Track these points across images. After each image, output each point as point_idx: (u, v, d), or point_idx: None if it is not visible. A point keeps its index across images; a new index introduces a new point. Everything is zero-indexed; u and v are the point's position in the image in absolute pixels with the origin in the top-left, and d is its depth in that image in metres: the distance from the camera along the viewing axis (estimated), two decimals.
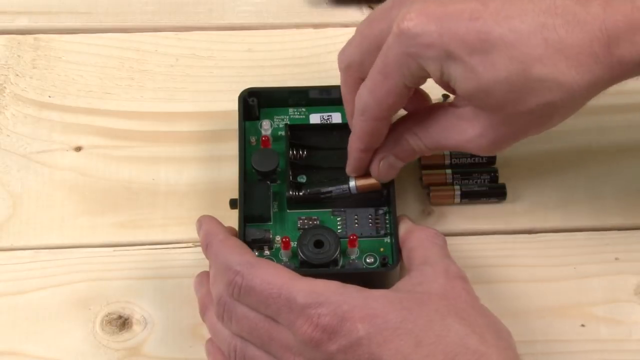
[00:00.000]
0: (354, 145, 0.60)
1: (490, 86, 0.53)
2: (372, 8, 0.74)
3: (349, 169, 0.62)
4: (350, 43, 0.59)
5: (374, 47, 0.57)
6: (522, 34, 0.52)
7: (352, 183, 0.62)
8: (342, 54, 0.60)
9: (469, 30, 0.53)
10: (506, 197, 0.66)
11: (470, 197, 0.66)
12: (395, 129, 0.60)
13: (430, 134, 0.59)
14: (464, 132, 0.57)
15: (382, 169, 0.61)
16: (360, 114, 0.58)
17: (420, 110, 0.60)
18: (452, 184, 0.66)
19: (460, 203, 0.66)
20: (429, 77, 0.56)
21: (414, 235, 0.59)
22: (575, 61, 0.52)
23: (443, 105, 0.59)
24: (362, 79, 0.58)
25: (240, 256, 0.55)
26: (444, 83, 0.56)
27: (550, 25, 0.52)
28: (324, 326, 0.51)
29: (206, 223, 0.59)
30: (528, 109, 0.54)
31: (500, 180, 0.66)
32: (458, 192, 0.66)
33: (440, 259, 0.57)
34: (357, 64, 0.59)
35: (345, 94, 0.61)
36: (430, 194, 0.66)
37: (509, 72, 0.53)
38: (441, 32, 0.53)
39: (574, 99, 0.54)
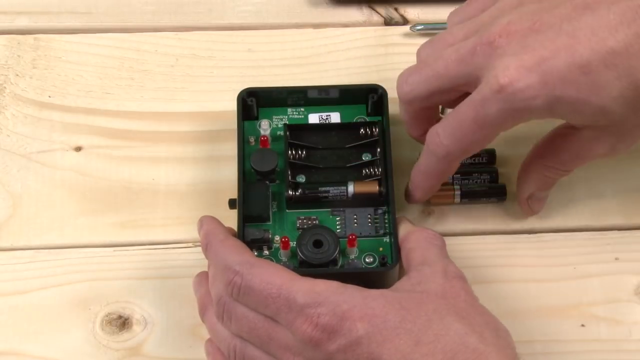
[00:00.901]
0: (426, 183, 0.62)
1: (607, 106, 0.54)
2: (372, 8, 0.74)
3: (415, 200, 0.63)
4: (418, 73, 0.59)
5: (447, 88, 0.58)
6: (618, 50, 0.53)
7: (350, 188, 0.62)
8: (407, 84, 0.60)
9: (570, 69, 0.53)
10: (506, 197, 0.66)
11: (470, 197, 0.66)
12: (528, 171, 0.62)
13: (565, 161, 0.61)
14: (596, 150, 0.59)
15: (534, 206, 0.64)
16: (440, 157, 0.59)
17: (541, 144, 0.61)
18: (452, 184, 0.66)
19: (460, 203, 0.66)
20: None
21: (413, 236, 0.59)
22: None
23: (562, 133, 0.60)
24: (424, 109, 0.60)
25: (239, 256, 0.55)
26: (554, 117, 0.57)
27: (635, 28, 0.53)
28: (324, 326, 0.51)
29: (207, 223, 0.59)
30: None
31: (500, 181, 0.66)
32: (458, 192, 0.66)
33: (439, 259, 0.57)
34: (423, 98, 0.59)
35: (405, 119, 0.62)
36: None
37: (621, 89, 0.54)
38: (544, 80, 0.54)
39: None
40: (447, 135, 0.58)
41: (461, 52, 0.57)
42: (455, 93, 0.59)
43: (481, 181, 0.66)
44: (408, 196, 0.64)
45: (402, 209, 0.64)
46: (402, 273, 0.59)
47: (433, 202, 0.66)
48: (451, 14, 0.62)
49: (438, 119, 0.61)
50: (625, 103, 0.54)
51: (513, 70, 0.54)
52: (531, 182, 0.63)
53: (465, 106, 0.56)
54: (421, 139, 0.62)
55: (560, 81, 0.53)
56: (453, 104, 0.59)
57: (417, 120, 0.62)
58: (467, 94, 0.57)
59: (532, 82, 0.54)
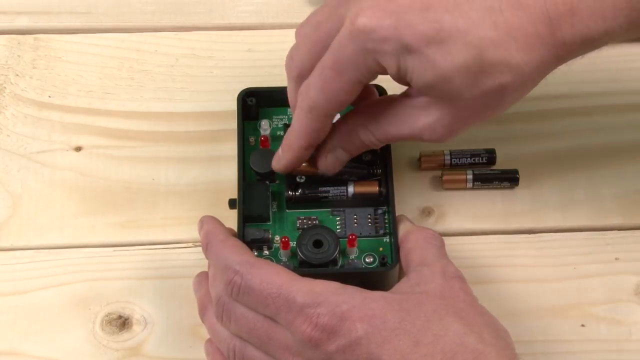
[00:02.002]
0: (297, 142, 0.60)
1: (449, 74, 0.54)
2: None
3: (283, 163, 0.61)
4: (297, 49, 0.59)
5: (322, 48, 0.57)
6: (473, 19, 0.53)
7: (350, 188, 0.62)
8: (292, 60, 0.59)
9: (423, 21, 0.53)
10: (519, 182, 0.66)
11: (482, 180, 0.65)
12: (345, 123, 0.60)
13: (382, 126, 0.59)
14: (418, 120, 0.57)
15: (330, 162, 0.61)
16: (308, 111, 0.58)
17: (369, 104, 0.60)
18: (465, 169, 0.66)
19: (473, 187, 0.66)
20: (384, 73, 0.56)
21: (412, 236, 0.59)
22: (522, 43, 0.53)
23: (393, 97, 0.59)
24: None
25: (239, 256, 0.55)
26: (400, 77, 0.56)
27: (497, 8, 0.53)
28: (323, 326, 0.51)
29: (207, 223, 0.59)
30: (482, 92, 0.54)
31: None
32: (470, 177, 0.65)
33: (438, 260, 0.57)
34: (309, 70, 0.58)
35: (294, 99, 0.60)
36: (443, 178, 0.66)
37: (466, 58, 0.53)
38: (397, 25, 0.53)
39: (524, 81, 0.54)
40: (312, 87, 0.57)
41: (327, 10, 0.57)
42: None
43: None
44: (276, 162, 0.62)
45: (402, 209, 0.64)
46: (401, 275, 0.59)
47: (446, 187, 0.66)
48: None
49: None
50: (466, 75, 0.54)
51: (368, 11, 0.54)
52: (342, 137, 0.60)
53: (326, 54, 0.56)
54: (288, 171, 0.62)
55: (412, 31, 0.53)
56: None
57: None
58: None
59: (385, 24, 0.53)
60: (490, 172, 0.66)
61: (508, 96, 0.55)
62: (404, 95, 0.58)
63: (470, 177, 0.66)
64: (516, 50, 0.53)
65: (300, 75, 0.58)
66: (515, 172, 0.66)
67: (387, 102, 0.59)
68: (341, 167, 0.62)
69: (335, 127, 0.60)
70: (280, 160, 0.61)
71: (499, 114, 0.57)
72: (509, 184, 0.66)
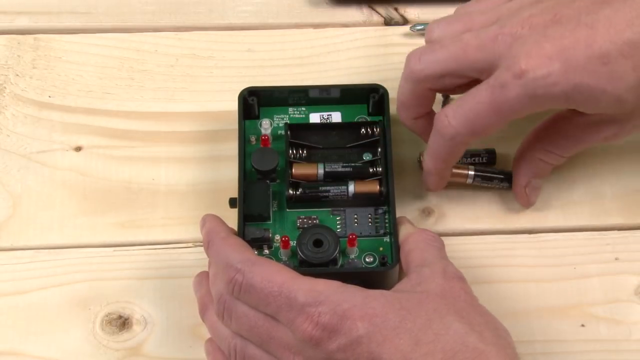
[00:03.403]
0: (435, 165, 0.62)
1: (622, 96, 0.56)
2: (372, 8, 0.74)
3: (431, 186, 0.64)
4: (433, 53, 0.60)
5: (461, 72, 0.59)
6: (637, 41, 0.55)
7: (350, 187, 0.62)
8: (420, 62, 0.60)
9: (589, 59, 0.55)
10: (496, 162, 0.67)
11: (483, 178, 0.66)
12: (526, 157, 0.63)
13: (564, 146, 0.62)
14: (600, 133, 0.60)
15: (530, 194, 0.65)
16: (448, 139, 0.59)
17: (541, 128, 0.63)
18: (466, 165, 0.66)
19: (473, 183, 0.66)
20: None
21: (412, 238, 0.59)
22: None
23: (565, 116, 0.61)
24: (427, 91, 0.61)
25: (241, 254, 0.55)
26: (569, 107, 0.59)
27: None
28: (324, 325, 0.51)
29: (209, 221, 0.59)
30: None
31: None
32: (472, 173, 0.66)
33: (438, 260, 0.57)
34: (434, 78, 0.60)
35: (406, 99, 0.62)
36: (421, 159, 0.66)
37: (637, 79, 0.55)
38: (565, 69, 0.55)
39: None
40: (456, 116, 0.58)
41: (482, 38, 0.58)
42: (466, 79, 0.59)
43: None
44: (425, 184, 0.64)
45: (402, 209, 0.64)
46: (401, 275, 0.59)
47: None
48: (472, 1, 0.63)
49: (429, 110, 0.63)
50: (635, 92, 0.56)
51: (535, 57, 0.55)
52: (528, 169, 0.64)
53: (482, 90, 0.57)
54: (411, 123, 0.63)
55: (580, 70, 0.55)
56: (457, 90, 0.60)
57: (416, 102, 0.62)
58: (475, 82, 0.58)
59: (553, 69, 0.55)
60: (490, 171, 0.66)
61: None
62: (575, 113, 0.59)
63: (471, 173, 0.66)
64: None
65: (425, 79, 0.60)
66: (492, 150, 0.67)
67: (562, 122, 0.62)
68: (539, 194, 0.65)
69: (518, 164, 0.64)
70: (427, 183, 0.64)
71: None
72: (508, 185, 0.66)
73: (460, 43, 0.59)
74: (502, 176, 0.66)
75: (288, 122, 0.66)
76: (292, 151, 0.64)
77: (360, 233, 0.62)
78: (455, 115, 0.58)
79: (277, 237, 0.62)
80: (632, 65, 0.55)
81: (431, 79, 0.60)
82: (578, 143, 0.62)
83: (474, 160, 0.66)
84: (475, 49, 0.58)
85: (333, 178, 0.63)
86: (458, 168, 0.65)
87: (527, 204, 0.65)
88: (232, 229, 0.60)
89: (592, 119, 0.60)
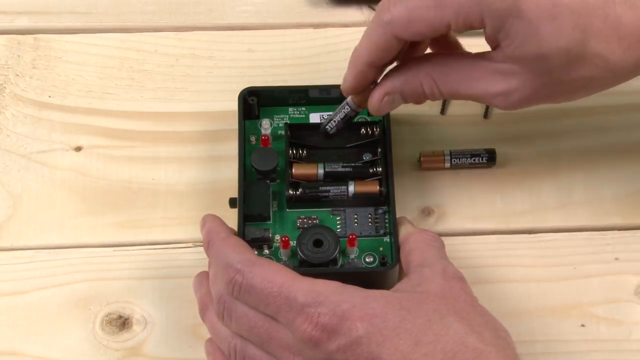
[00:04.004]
0: (361, 57, 0.58)
1: (550, 53, 0.54)
2: (372, 8, 0.74)
3: (345, 84, 0.60)
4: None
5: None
6: (589, 5, 0.53)
7: (350, 187, 0.62)
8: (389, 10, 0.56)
9: None
10: (495, 161, 0.66)
11: (459, 157, 0.66)
12: (409, 68, 0.59)
13: (450, 80, 0.58)
14: (495, 84, 0.57)
15: (384, 103, 0.60)
16: (383, 24, 0.56)
17: (440, 54, 0.59)
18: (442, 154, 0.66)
19: (451, 167, 0.66)
20: (477, 27, 0.55)
21: (412, 238, 0.59)
22: (625, 41, 0.54)
23: (470, 54, 0.58)
24: (397, 38, 0.57)
25: (241, 254, 0.55)
26: (494, 38, 0.55)
27: (611, 1, 0.53)
28: (324, 325, 0.51)
29: (209, 221, 0.59)
30: (571, 79, 0.55)
31: (500, 181, 0.66)
32: (448, 157, 0.66)
33: (438, 261, 0.57)
34: (403, 24, 0.56)
35: (368, 43, 0.58)
36: (421, 159, 0.66)
37: (570, 41, 0.54)
38: None
39: (614, 77, 0.55)
40: (396, 4, 0.56)
41: None
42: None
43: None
44: (342, 83, 0.61)
45: (402, 209, 0.64)
46: (401, 275, 0.59)
47: (424, 167, 0.66)
48: None
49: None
50: (566, 58, 0.54)
51: None
52: (402, 80, 0.59)
53: None
54: (360, 70, 0.59)
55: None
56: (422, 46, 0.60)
57: (378, 47, 0.58)
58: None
59: None
60: (467, 150, 0.67)
61: (592, 88, 0.56)
62: (484, 56, 0.57)
63: (447, 157, 0.66)
64: (617, 46, 0.54)
65: (388, 24, 0.56)
66: (493, 151, 0.67)
67: (461, 58, 0.58)
68: (391, 110, 0.60)
69: (397, 68, 0.59)
70: (345, 79, 0.60)
71: (574, 99, 0.58)
72: (486, 161, 0.66)
73: None
74: (477, 153, 0.66)
75: (288, 122, 0.66)
76: (292, 151, 0.64)
77: (360, 233, 0.62)
78: (395, 3, 0.56)
79: (277, 237, 0.62)
80: (573, 23, 0.53)
81: (394, 25, 0.56)
82: (466, 84, 0.57)
83: (474, 160, 0.67)
84: None
85: (333, 178, 0.63)
86: (435, 155, 0.66)
87: (374, 111, 0.60)
88: (232, 229, 0.60)
89: (500, 67, 0.56)
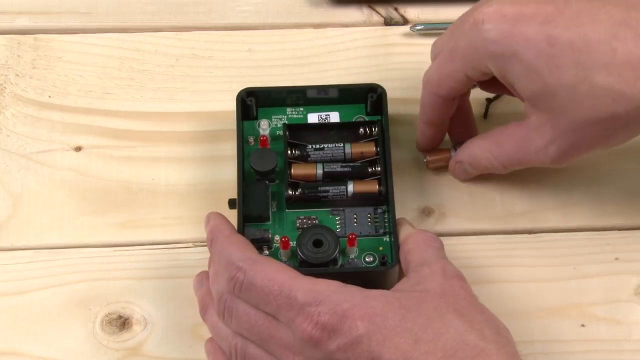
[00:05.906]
0: (420, 116, 0.64)
1: (556, 90, 0.55)
2: (372, 8, 0.74)
3: (417, 141, 0.66)
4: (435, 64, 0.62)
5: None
6: (592, 41, 0.54)
7: (349, 187, 0.62)
8: (425, 74, 0.63)
9: (538, 33, 0.55)
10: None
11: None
12: (472, 145, 0.63)
13: (505, 151, 0.61)
14: (533, 142, 0.59)
15: (458, 171, 0.65)
16: (424, 84, 0.62)
17: (498, 130, 0.62)
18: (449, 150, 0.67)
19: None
20: (491, 73, 0.58)
21: (411, 239, 0.59)
22: None
23: (517, 122, 0.60)
24: (436, 95, 0.62)
25: (242, 252, 0.55)
26: (507, 83, 0.58)
27: (622, 36, 0.53)
28: (324, 324, 0.51)
29: (213, 219, 0.59)
30: (593, 119, 0.55)
31: (500, 181, 0.66)
32: (454, 152, 0.66)
33: (437, 260, 0.57)
34: (436, 84, 0.62)
35: (423, 104, 0.64)
36: (428, 159, 0.66)
37: (574, 77, 0.54)
38: (512, 32, 0.55)
39: (639, 112, 0.54)
40: (432, 66, 0.61)
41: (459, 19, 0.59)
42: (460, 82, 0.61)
43: None
44: (418, 144, 0.66)
45: (402, 209, 0.64)
46: (401, 275, 0.59)
47: (431, 167, 0.67)
48: None
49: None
50: (573, 94, 0.55)
51: (491, 11, 0.56)
52: (467, 156, 0.64)
53: (446, 37, 0.60)
54: (424, 150, 0.66)
55: (524, 40, 0.55)
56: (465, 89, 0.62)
57: (427, 107, 0.63)
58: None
59: (501, 28, 0.55)
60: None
61: (621, 127, 0.56)
62: (523, 121, 0.59)
63: (454, 152, 0.66)
64: (633, 79, 0.53)
65: (426, 86, 0.63)
66: None
67: (509, 127, 0.61)
68: (470, 177, 0.65)
69: (466, 144, 0.64)
70: (417, 136, 0.65)
71: (618, 145, 0.58)
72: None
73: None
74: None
75: (286, 122, 0.66)
76: (291, 151, 0.64)
77: (360, 233, 0.62)
78: (431, 65, 0.61)
79: (277, 237, 0.62)
80: (574, 60, 0.54)
81: (431, 85, 0.61)
82: (515, 148, 0.60)
83: None
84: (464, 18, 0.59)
85: (332, 178, 0.63)
86: (441, 152, 0.66)
87: (452, 173, 0.66)
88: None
89: (532, 122, 0.58)
